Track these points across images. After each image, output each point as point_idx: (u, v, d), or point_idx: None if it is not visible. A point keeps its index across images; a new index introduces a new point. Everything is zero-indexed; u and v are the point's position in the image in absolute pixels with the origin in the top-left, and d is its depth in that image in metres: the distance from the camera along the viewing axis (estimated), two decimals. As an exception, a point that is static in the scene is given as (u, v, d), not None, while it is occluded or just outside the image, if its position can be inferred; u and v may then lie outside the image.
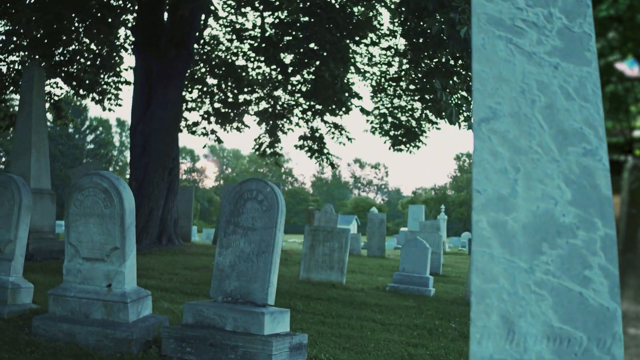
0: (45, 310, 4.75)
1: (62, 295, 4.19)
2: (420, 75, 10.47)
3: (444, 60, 7.75)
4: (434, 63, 7.81)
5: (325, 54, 9.04)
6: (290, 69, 10.43)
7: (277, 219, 3.96)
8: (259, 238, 3.99)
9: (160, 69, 10.08)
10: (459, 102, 6.70)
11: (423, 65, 8.16)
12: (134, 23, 11.04)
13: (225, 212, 4.11)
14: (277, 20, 11.59)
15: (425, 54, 8.52)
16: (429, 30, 6.17)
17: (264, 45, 10.69)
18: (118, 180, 4.15)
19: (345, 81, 11.35)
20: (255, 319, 3.76)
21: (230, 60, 13.06)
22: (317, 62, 9.37)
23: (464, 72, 7.43)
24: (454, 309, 6.51)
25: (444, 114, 6.63)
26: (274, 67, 11.94)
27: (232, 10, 11.82)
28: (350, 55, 11.07)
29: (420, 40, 7.44)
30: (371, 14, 11.75)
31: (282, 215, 3.99)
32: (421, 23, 7.99)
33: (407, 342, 4.83)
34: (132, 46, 11.18)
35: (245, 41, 12.53)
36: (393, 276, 7.49)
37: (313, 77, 10.30)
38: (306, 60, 10.02)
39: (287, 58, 11.56)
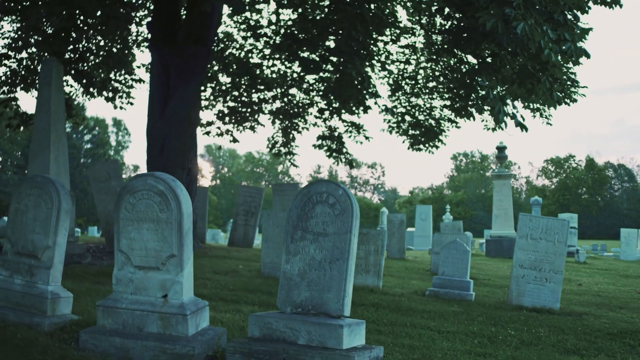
0: (87, 321, 4.42)
1: (113, 307, 3.86)
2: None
3: (485, 56, 7.47)
4: (477, 60, 7.52)
5: (349, 51, 8.73)
6: (311, 66, 10.10)
7: (352, 223, 3.65)
8: (331, 244, 3.68)
9: (178, 65, 9.72)
10: (504, 100, 6.43)
11: (466, 62, 7.87)
12: (149, 18, 10.66)
13: (292, 217, 3.80)
14: (297, 16, 11.27)
15: (461, 52, 8.24)
16: (479, 26, 5.89)
17: (284, 41, 10.35)
18: (174, 182, 3.82)
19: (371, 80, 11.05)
20: (332, 332, 3.45)
21: (244, 58, 12.72)
22: (342, 60, 9.05)
23: (507, 68, 7.14)
24: (502, 314, 6.23)
25: (489, 111, 6.35)
26: (295, 64, 11.60)
27: (247, 7, 11.48)
28: (375, 53, 10.77)
29: (463, 36, 7.15)
30: (387, 10, 11.47)
31: (356, 219, 3.68)
32: (454, 18, 7.71)
33: (472, 352, 4.54)
34: (148, 42, 10.81)
35: (261, 38, 12.20)
36: (432, 280, 7.20)
37: (337, 75, 9.96)
38: (332, 58, 9.69)
39: (302, 54, 11.22)
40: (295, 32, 10.26)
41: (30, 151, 8.32)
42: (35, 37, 11.28)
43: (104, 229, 8.89)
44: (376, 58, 11.45)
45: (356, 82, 9.51)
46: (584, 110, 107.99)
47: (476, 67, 6.85)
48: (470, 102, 8.15)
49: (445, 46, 11.70)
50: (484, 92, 6.42)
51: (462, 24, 6.86)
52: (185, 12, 10.41)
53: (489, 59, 7.88)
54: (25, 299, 4.42)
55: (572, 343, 5.23)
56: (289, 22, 11.86)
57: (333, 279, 3.64)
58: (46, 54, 11.17)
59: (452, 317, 5.86)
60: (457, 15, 6.63)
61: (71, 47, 11.52)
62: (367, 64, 10.10)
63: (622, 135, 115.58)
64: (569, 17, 6.75)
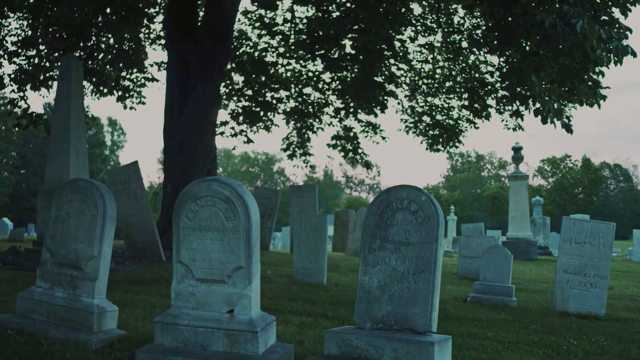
0: (135, 337, 4.10)
1: (173, 323, 3.54)
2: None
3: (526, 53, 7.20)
4: (519, 57, 7.26)
5: (376, 50, 8.45)
6: (335, 64, 9.81)
7: (437, 231, 3.37)
8: (415, 254, 3.40)
9: (198, 63, 9.39)
10: (552, 99, 6.20)
11: (510, 59, 7.61)
12: (165, 16, 10.31)
13: (369, 225, 3.51)
14: (312, 13, 10.97)
15: (500, 49, 7.96)
16: (526, 23, 5.64)
17: (306, 39, 10.05)
18: (241, 187, 3.51)
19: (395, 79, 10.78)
20: (422, 350, 3.16)
21: (258, 57, 12.39)
22: (368, 59, 8.78)
23: (548, 67, 6.88)
24: (552, 321, 5.99)
25: (540, 110, 6.09)
26: (311, 62, 11.31)
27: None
28: (400, 51, 10.51)
29: (507, 33, 6.88)
30: (404, 8, 11.21)
31: (442, 227, 3.40)
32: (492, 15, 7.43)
33: (544, 366, 4.28)
34: (165, 40, 10.46)
35: (276, 36, 11.89)
36: (474, 286, 6.94)
37: (360, 74, 9.67)
38: (359, 56, 9.40)
39: (325, 53, 10.93)
40: (316, 29, 9.97)
41: (48, 152, 7.97)
42: (48, 34, 10.91)
43: (125, 234, 8.53)
44: (402, 57, 11.19)
45: (384, 82, 9.23)
46: (579, 110, 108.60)
47: (518, 64, 6.60)
48: (517, 101, 7.89)
49: (466, 44, 11.39)
50: (532, 91, 6.17)
51: (502, 22, 6.60)
52: (204, 8, 10.08)
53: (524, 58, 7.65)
54: (68, 313, 4.08)
55: (636, 352, 5.00)
56: (305, 20, 11.57)
57: (418, 291, 3.36)
58: (57, 52, 10.81)
59: (504, 326, 5.61)
60: (500, 11, 6.37)
61: (81, 44, 11.17)
62: (390, 63, 9.83)
63: (616, 135, 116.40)
64: (614, 15, 6.55)
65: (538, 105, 6.67)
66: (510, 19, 6.34)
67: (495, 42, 8.99)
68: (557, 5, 5.33)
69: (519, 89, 8.65)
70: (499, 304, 6.70)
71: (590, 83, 6.99)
